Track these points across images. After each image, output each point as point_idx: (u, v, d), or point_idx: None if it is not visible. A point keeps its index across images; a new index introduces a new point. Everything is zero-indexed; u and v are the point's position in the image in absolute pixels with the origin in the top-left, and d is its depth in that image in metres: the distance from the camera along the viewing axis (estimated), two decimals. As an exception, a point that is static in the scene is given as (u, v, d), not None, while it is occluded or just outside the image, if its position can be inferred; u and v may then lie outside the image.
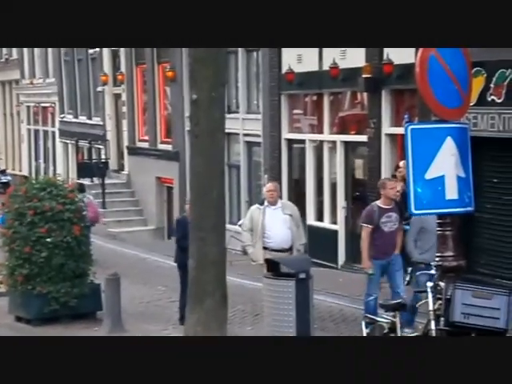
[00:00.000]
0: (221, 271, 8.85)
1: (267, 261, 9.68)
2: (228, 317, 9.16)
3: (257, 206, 10.73)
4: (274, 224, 10.36)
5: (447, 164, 7.19)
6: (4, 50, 28.77)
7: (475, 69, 10.30)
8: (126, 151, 21.49)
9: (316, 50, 14.74)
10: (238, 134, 17.13)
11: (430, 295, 7.16)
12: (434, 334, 6.99)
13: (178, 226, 10.97)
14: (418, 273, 9.14)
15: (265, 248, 10.34)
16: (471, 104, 8.63)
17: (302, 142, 15.61)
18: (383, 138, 13.59)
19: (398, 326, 7.64)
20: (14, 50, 27.94)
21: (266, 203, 10.51)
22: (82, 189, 16.23)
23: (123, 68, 21.13)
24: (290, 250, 10.43)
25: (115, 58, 21.80)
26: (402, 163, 12.80)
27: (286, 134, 15.94)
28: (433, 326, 7.04)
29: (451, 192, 7.20)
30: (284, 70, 15.53)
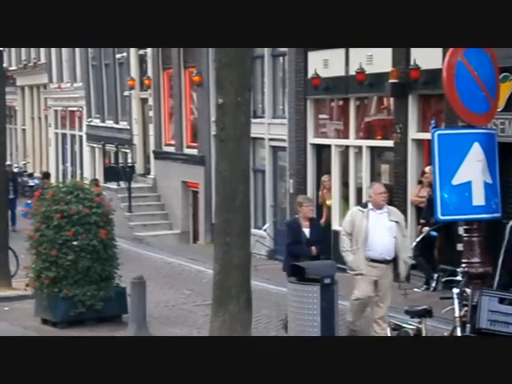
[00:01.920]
0: (246, 275, 8.86)
1: (292, 266, 9.64)
2: (252, 321, 9.17)
3: (359, 208, 9.73)
4: (378, 231, 9.29)
5: (474, 170, 7.15)
6: (32, 54, 29.05)
7: (503, 74, 10.22)
8: (152, 155, 21.59)
9: (342, 54, 14.72)
10: (263, 139, 17.14)
11: (456, 301, 7.10)
12: (459, 341, 6.93)
13: (288, 229, 10.08)
14: (444, 279, 9.07)
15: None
16: (499, 110, 8.57)
17: (328, 146, 15.58)
18: (409, 144, 13.53)
19: (424, 332, 7.58)
20: (42, 55, 28.19)
21: (369, 206, 9.47)
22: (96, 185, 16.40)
23: (150, 73, 21.24)
24: (391, 262, 9.37)
25: (142, 62, 21.92)
26: (427, 169, 12.78)
27: (311, 139, 15.93)
28: (459, 332, 6.99)
29: (478, 198, 7.16)
30: (310, 74, 15.52)
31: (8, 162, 20.98)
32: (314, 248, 9.88)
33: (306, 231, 10.01)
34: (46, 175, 22.05)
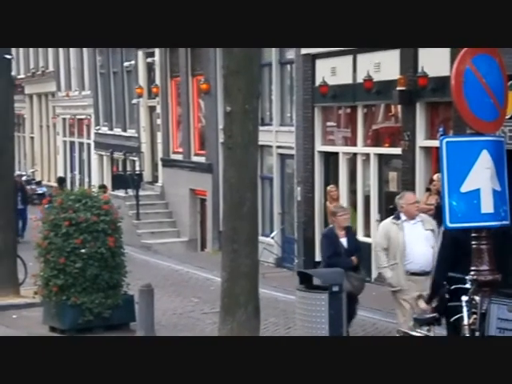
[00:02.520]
0: (253, 283, 8.86)
1: (299, 273, 9.60)
2: (260, 329, 9.16)
3: (391, 220, 9.14)
4: (416, 242, 8.84)
5: (483, 177, 7.12)
6: (40, 63, 29.17)
7: (511, 82, 10.20)
8: (160, 163, 21.63)
9: (350, 62, 14.73)
10: (271, 147, 17.15)
11: (464, 309, 7.08)
12: (468, 349, 6.89)
13: (326, 241, 9.70)
14: (452, 287, 9.03)
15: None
16: (507, 117, 8.54)
17: (336, 154, 15.58)
18: (417, 151, 13.51)
19: (432, 340, 7.54)
20: (51, 63, 28.30)
21: (402, 217, 8.96)
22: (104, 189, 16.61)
23: (158, 81, 21.29)
24: (430, 273, 8.68)
25: (150, 70, 21.98)
26: (435, 176, 12.77)
27: (319, 147, 15.93)
28: (467, 340, 6.95)
29: (487, 206, 7.13)
30: (318, 82, 15.53)
31: (18, 172, 21.09)
32: (354, 258, 9.52)
33: (343, 241, 9.61)
34: (61, 180, 22.29)
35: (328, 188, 15.43)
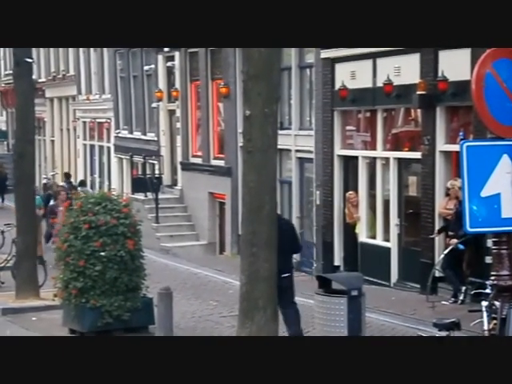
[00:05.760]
0: (272, 287, 8.85)
1: (318, 277, 9.61)
2: (279, 332, 9.15)
3: None
4: None
5: (503, 182, 7.08)
6: (61, 66, 29.34)
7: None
8: (179, 166, 21.68)
9: (370, 66, 14.71)
10: (290, 150, 17.15)
11: (484, 314, 7.04)
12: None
13: None
14: (472, 292, 8.99)
15: None
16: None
17: (355, 158, 15.55)
18: (437, 155, 13.46)
19: (452, 345, 7.50)
20: (71, 67, 28.47)
21: None
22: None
23: (178, 84, 21.35)
24: None
25: (170, 74, 22.05)
26: (449, 183, 12.81)
27: (338, 151, 15.91)
28: (487, 346, 6.90)
29: (507, 210, 7.09)
30: (337, 86, 15.51)
31: (46, 180, 20.92)
32: None
33: None
34: (82, 183, 22.44)
35: (347, 194, 15.38)
